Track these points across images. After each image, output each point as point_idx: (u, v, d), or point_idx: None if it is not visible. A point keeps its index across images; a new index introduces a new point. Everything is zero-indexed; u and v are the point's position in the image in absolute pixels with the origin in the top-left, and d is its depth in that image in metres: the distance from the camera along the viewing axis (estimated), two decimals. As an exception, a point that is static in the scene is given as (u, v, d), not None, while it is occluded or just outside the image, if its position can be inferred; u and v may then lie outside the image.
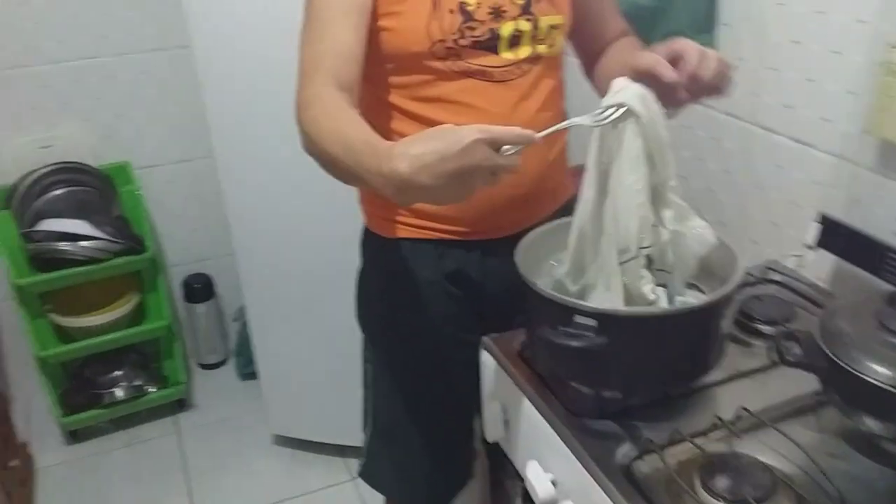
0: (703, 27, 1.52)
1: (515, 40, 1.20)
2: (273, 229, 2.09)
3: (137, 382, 2.52)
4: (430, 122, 1.18)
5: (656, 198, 1.03)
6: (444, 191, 0.90)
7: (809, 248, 1.33)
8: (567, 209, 1.37)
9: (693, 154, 1.65)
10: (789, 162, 1.42)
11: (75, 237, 2.26)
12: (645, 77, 1.04)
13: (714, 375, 1.08)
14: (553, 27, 1.24)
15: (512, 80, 1.22)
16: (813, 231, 1.32)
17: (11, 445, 2.23)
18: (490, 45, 1.19)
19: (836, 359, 0.92)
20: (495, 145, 0.91)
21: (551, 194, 1.35)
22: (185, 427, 2.60)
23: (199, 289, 2.75)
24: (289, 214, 2.05)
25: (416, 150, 0.90)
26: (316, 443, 2.41)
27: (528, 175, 1.26)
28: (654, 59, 1.04)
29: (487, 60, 1.19)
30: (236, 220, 2.13)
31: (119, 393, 2.49)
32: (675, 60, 1.04)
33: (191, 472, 2.41)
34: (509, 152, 0.93)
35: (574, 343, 0.91)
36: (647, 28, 1.50)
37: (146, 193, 2.61)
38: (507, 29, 1.19)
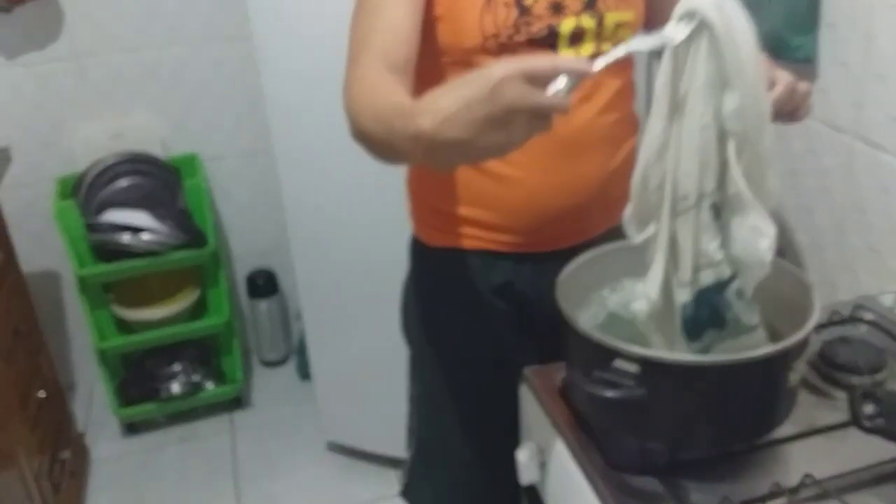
0: (803, 27, 1.35)
1: (577, 38, 1.09)
2: (331, 229, 2.03)
3: (195, 378, 2.49)
4: None
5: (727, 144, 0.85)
6: (479, 144, 0.76)
7: (912, 283, 1.15)
8: None
9: (786, 167, 1.47)
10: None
11: (137, 229, 2.23)
12: None
13: (782, 430, 0.92)
14: (620, 25, 1.11)
15: None
16: (918, 265, 1.14)
17: (65, 436, 2.22)
18: (548, 42, 1.08)
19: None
20: (535, 81, 0.75)
21: (615, 205, 1.20)
22: (239, 426, 2.55)
23: (263, 285, 2.70)
24: (347, 215, 1.98)
25: (438, 102, 0.78)
26: (369, 453, 2.32)
27: (587, 182, 1.16)
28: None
29: None
30: (294, 218, 2.07)
31: (176, 388, 2.46)
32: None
33: (241, 474, 2.35)
34: (560, 89, 0.76)
35: (609, 394, 0.77)
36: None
37: (213, 185, 2.59)
38: (567, 25, 1.08)
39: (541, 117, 0.76)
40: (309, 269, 2.12)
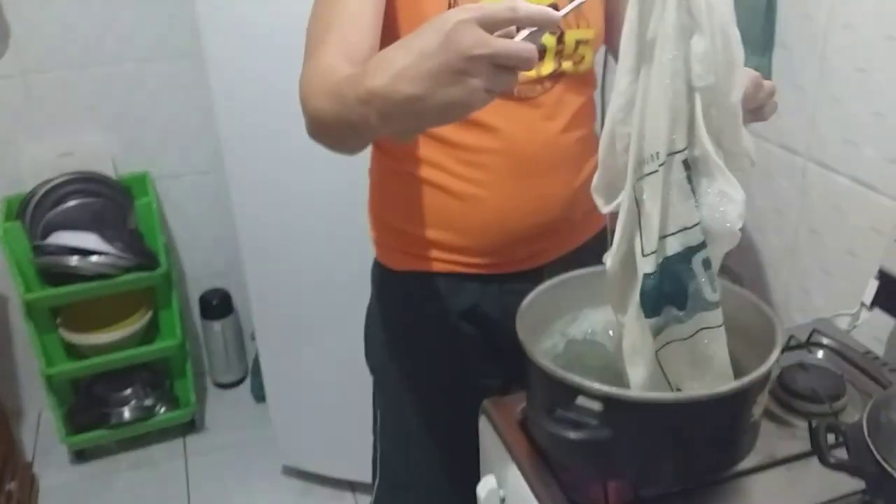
0: (758, 48, 1.35)
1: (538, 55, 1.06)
2: (285, 248, 1.99)
3: (147, 402, 2.43)
4: (450, 143, 1.09)
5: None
6: (436, 100, 0.68)
7: (865, 306, 1.15)
8: (600, 241, 1.26)
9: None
10: (848, 205, 1.25)
11: (86, 252, 2.17)
12: None
13: (744, 461, 0.91)
14: (581, 42, 1.10)
15: (533, 97, 1.09)
16: (871, 288, 1.14)
17: (12, 465, 2.15)
18: None
19: (887, 465, 0.74)
20: (492, 27, 0.67)
21: (581, 224, 1.21)
22: (193, 450, 2.49)
23: (216, 305, 2.65)
24: (302, 233, 1.95)
25: (388, 57, 0.71)
26: (326, 476, 2.28)
27: (552, 201, 1.14)
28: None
29: None
30: (247, 236, 2.03)
31: (127, 413, 2.39)
32: None
33: (194, 500, 2.29)
34: (522, 36, 0.69)
35: (573, 435, 0.75)
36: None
37: (166, 204, 2.54)
38: None
39: (503, 69, 0.68)
40: (263, 289, 2.08)
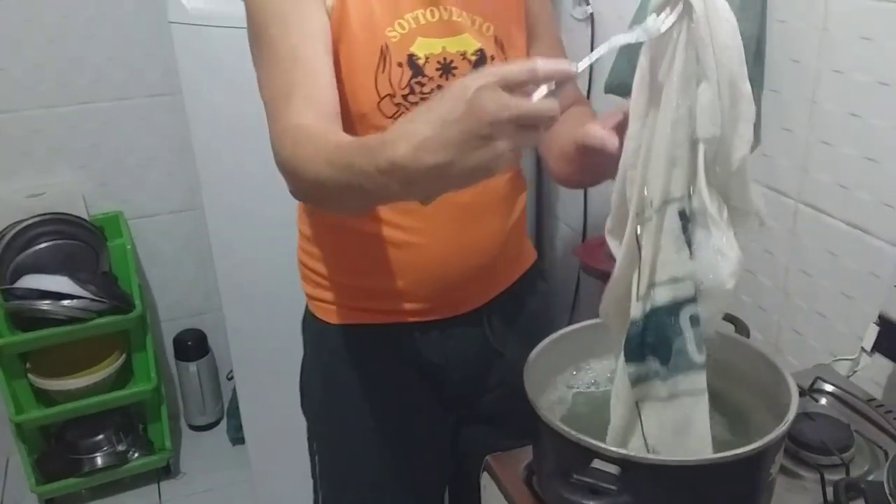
0: (745, 92, 1.35)
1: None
2: (264, 286, 1.95)
3: (120, 448, 2.36)
4: None
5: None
6: (464, 166, 0.68)
7: (865, 352, 1.15)
8: (534, 274, 1.29)
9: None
10: (842, 248, 1.24)
11: (58, 295, 2.11)
12: (595, 154, 0.88)
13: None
14: None
15: None
16: (871, 333, 1.13)
17: (-22, 517, 2.07)
18: None
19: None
20: (513, 88, 0.67)
21: (513, 262, 1.25)
22: (167, 497, 2.43)
23: (191, 346, 2.61)
24: (281, 272, 1.89)
25: (410, 127, 0.70)
26: (307, 524, 2.22)
27: (488, 243, 1.16)
28: (600, 135, 0.87)
29: None
30: (226, 275, 1.99)
31: (100, 460, 2.33)
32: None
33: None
34: (542, 94, 0.69)
35: (591, 502, 0.72)
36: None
37: (140, 244, 2.49)
38: None
39: (528, 127, 0.68)
40: (241, 328, 2.04)
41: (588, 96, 1.82)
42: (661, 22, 0.76)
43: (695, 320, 0.80)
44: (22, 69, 2.24)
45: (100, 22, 2.26)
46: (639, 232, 0.81)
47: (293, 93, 0.94)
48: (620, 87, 1.46)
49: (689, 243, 0.79)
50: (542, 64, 0.68)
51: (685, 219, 0.79)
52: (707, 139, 0.78)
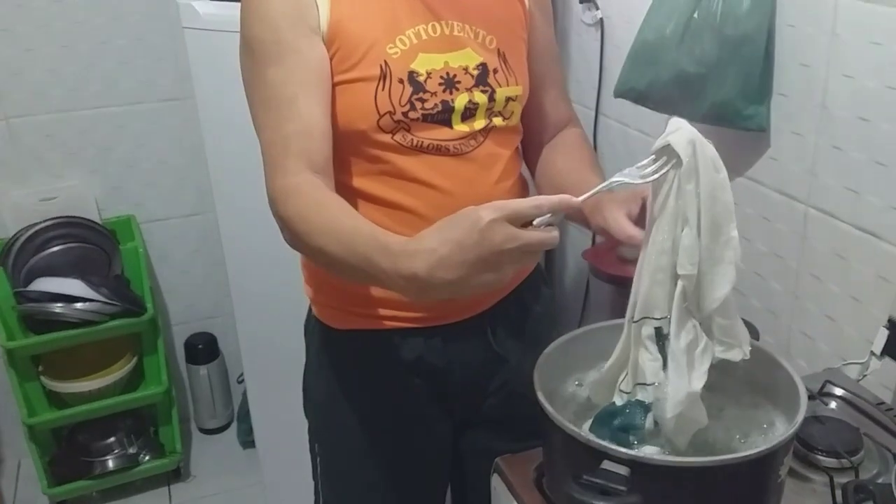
0: (756, 97, 1.35)
1: (469, 113, 1.11)
2: (274, 288, 1.95)
3: (131, 451, 2.38)
4: (389, 204, 1.11)
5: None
6: (471, 282, 0.80)
7: (875, 355, 1.15)
8: (534, 277, 1.30)
9: (738, 232, 1.47)
10: (851, 252, 1.24)
11: (70, 298, 2.13)
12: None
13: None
14: (511, 98, 1.14)
15: (468, 151, 1.12)
16: (881, 337, 1.13)
17: (-9, 518, 2.08)
18: (442, 117, 1.09)
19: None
20: (518, 222, 0.79)
21: None
22: (178, 500, 2.44)
23: (202, 349, 2.62)
24: (293, 274, 1.91)
25: (430, 244, 0.81)
26: (317, 526, 2.22)
27: None
28: (629, 234, 0.93)
29: (440, 134, 1.09)
30: (237, 279, 2.01)
31: (111, 462, 2.34)
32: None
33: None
34: (543, 222, 0.80)
35: (601, 502, 0.73)
36: (693, 97, 1.34)
37: (152, 248, 2.50)
38: (461, 101, 1.09)
39: (530, 253, 0.80)
40: (252, 331, 2.05)
41: (598, 101, 1.83)
42: (652, 173, 0.84)
43: (656, 423, 0.88)
44: (35, 74, 2.26)
45: (112, 28, 2.28)
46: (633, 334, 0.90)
47: (290, 147, 1.00)
48: (629, 92, 1.47)
49: (663, 357, 0.88)
50: (547, 202, 0.80)
51: (661, 337, 0.88)
52: (684, 276, 0.85)
